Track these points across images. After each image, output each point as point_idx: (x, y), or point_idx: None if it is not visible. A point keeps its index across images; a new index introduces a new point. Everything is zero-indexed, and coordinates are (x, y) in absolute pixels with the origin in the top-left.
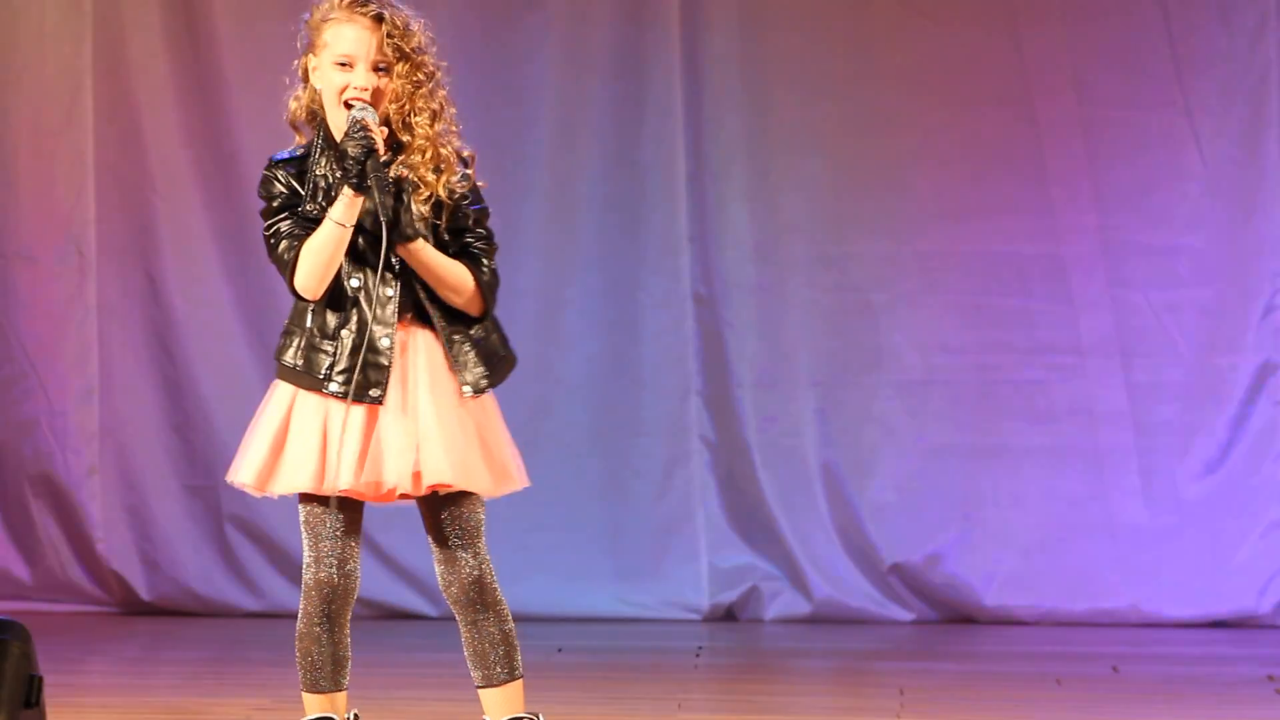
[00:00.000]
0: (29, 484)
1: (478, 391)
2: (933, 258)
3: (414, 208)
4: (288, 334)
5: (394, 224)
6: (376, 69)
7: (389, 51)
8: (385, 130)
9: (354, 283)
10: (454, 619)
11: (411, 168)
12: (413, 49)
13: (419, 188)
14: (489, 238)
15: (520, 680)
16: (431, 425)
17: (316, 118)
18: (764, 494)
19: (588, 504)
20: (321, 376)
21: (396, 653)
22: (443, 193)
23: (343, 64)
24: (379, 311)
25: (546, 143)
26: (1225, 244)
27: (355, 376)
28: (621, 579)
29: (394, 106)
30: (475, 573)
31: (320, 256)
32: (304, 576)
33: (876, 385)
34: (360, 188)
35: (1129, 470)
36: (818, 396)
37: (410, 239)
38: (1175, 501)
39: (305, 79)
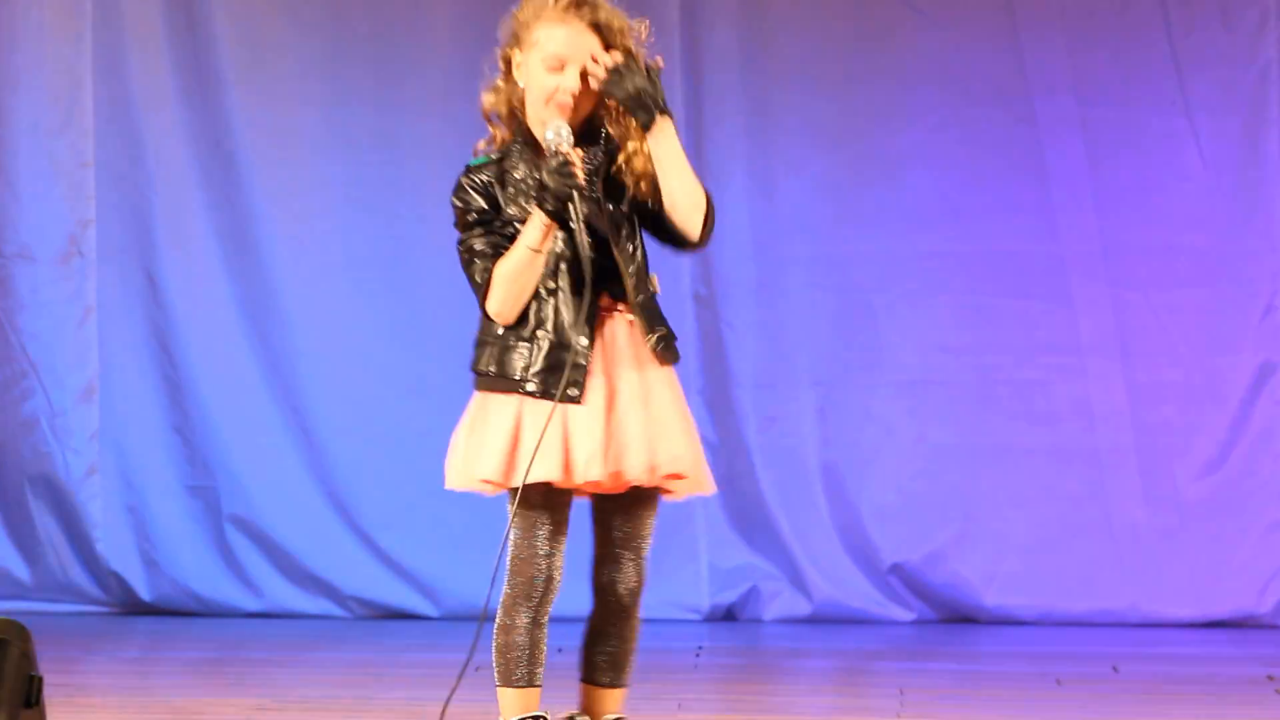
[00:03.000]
0: (29, 484)
1: (666, 344)
2: (933, 258)
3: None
4: (480, 345)
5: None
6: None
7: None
8: (577, 151)
9: (549, 284)
10: (454, 619)
11: (625, 162)
12: (627, 54)
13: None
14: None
15: (627, 689)
16: (661, 409)
17: (515, 114)
18: (764, 494)
19: (588, 504)
20: (517, 378)
21: (396, 653)
22: (645, 187)
23: (553, 66)
24: (573, 312)
25: None
26: (1225, 244)
27: (553, 376)
28: None
29: (604, 110)
30: (636, 581)
31: (514, 284)
32: (510, 570)
33: (876, 385)
34: (557, 219)
35: (1129, 470)
36: (818, 396)
37: (649, 115)
38: (1175, 501)
39: (506, 72)
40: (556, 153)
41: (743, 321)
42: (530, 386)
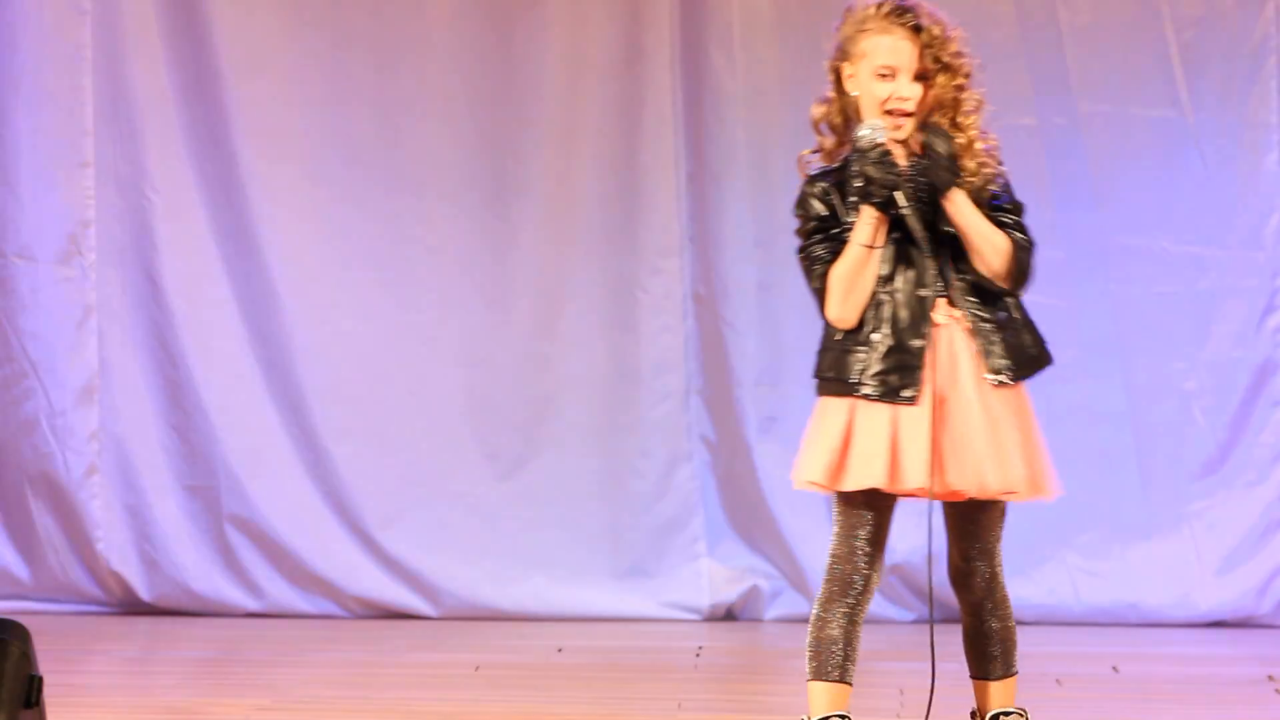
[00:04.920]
0: (29, 484)
1: (1001, 382)
2: None
3: (954, 160)
4: (823, 351)
5: (931, 221)
6: (918, 78)
7: (929, 62)
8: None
9: (885, 287)
10: (454, 619)
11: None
12: (951, 55)
13: (955, 141)
14: (1018, 210)
15: (1015, 677)
16: (994, 425)
17: (849, 124)
18: (764, 494)
19: (587, 504)
20: (853, 381)
21: (396, 653)
22: (979, 183)
23: (884, 74)
24: (909, 314)
25: (546, 143)
26: (1225, 244)
27: (890, 378)
28: (621, 579)
29: (938, 114)
30: (989, 574)
31: (848, 284)
32: (830, 569)
33: None
34: (885, 210)
35: (1129, 470)
36: None
37: (949, 186)
38: (1175, 501)
39: (837, 85)
40: (875, 145)
41: (743, 321)
42: (866, 390)
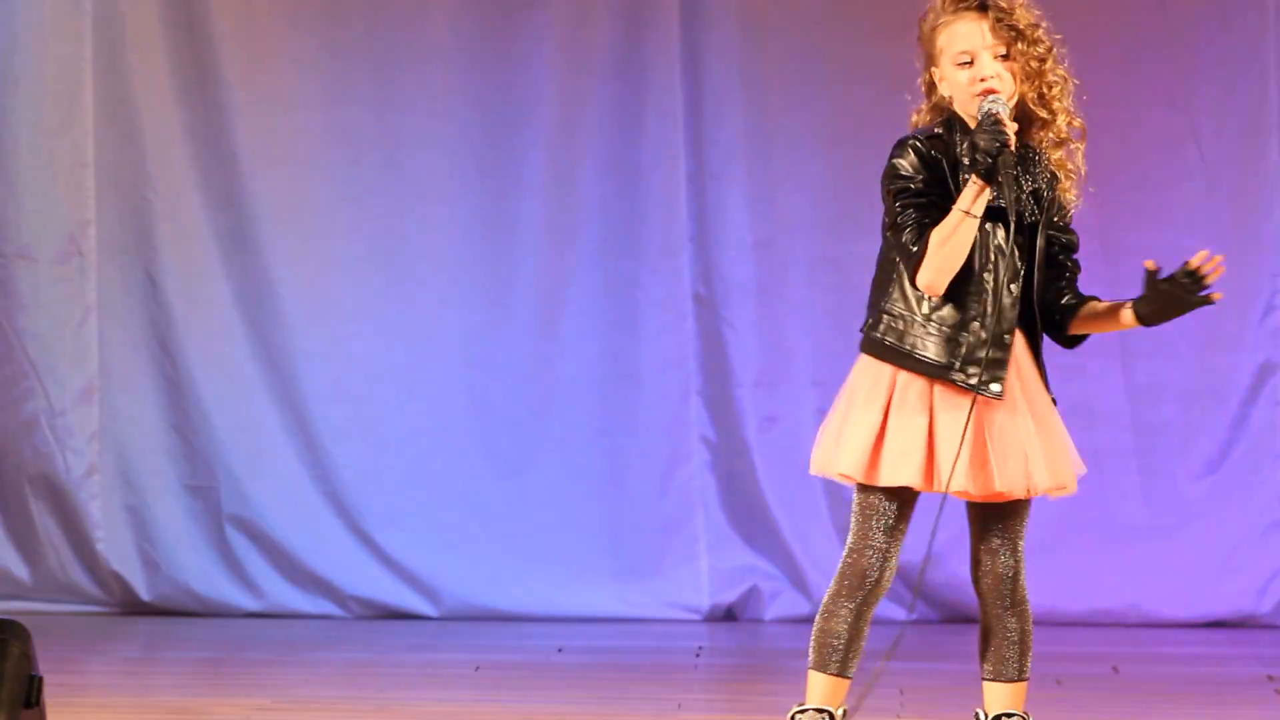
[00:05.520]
0: (29, 484)
1: (1054, 398)
2: None
3: (1042, 191)
4: (888, 315)
5: (1019, 214)
6: (998, 56)
7: (1004, 34)
8: (1015, 125)
9: (986, 274)
10: (454, 619)
11: (1047, 145)
12: (1027, 25)
13: (1054, 178)
14: (1073, 248)
15: (1026, 682)
16: (1045, 429)
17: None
18: (764, 494)
19: (588, 504)
20: (944, 364)
21: (396, 653)
22: (1061, 175)
23: (964, 62)
24: (1006, 306)
25: (546, 143)
26: (1225, 244)
27: (983, 371)
28: (621, 579)
29: (1027, 85)
30: (1012, 571)
31: (948, 249)
32: (845, 559)
33: None
34: (989, 179)
35: (1129, 470)
36: (818, 396)
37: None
38: (1175, 501)
39: (928, 94)
40: (989, 113)
41: (743, 321)
42: (959, 377)
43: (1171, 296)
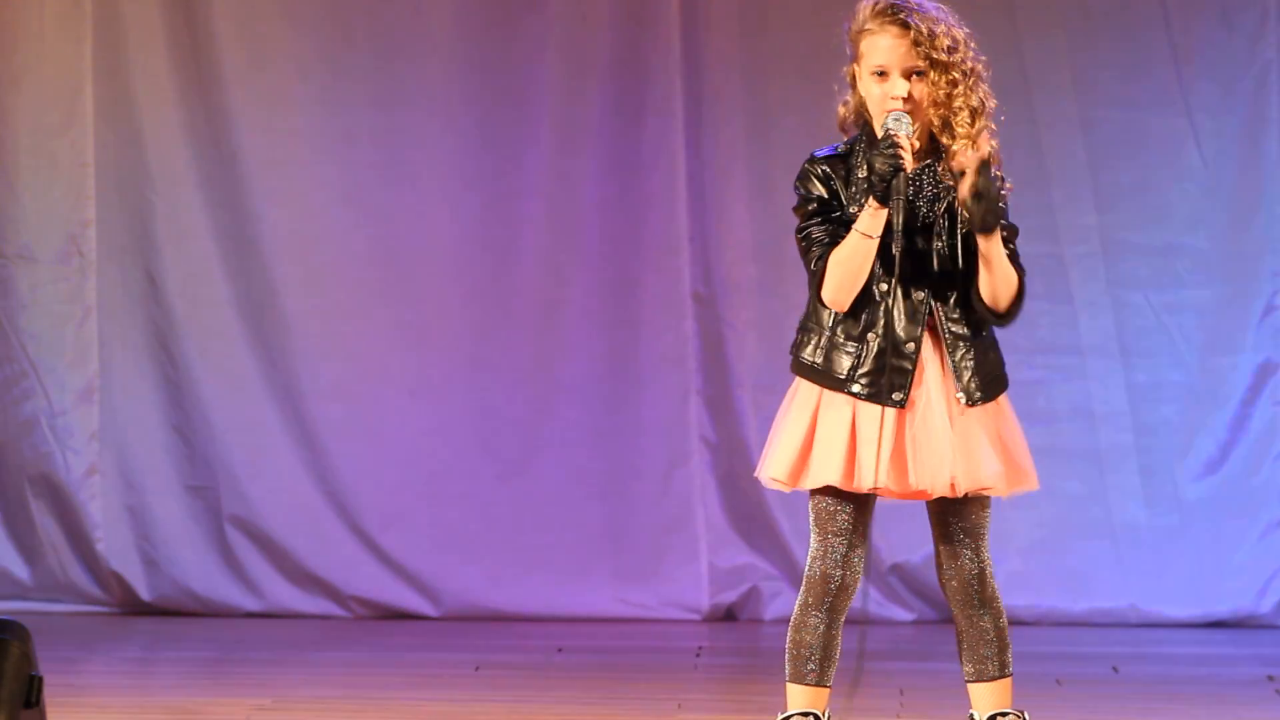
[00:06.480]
0: (29, 484)
1: (971, 402)
2: None
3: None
4: (806, 331)
5: (901, 235)
6: (912, 75)
7: (920, 59)
8: (918, 144)
9: (883, 286)
10: (454, 619)
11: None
12: (944, 49)
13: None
14: (1014, 234)
15: (1010, 678)
16: (962, 432)
17: (863, 120)
18: (764, 494)
19: (588, 504)
20: (844, 377)
21: (396, 653)
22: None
23: (879, 74)
24: (905, 317)
25: (546, 143)
26: (1225, 244)
27: (881, 380)
28: (621, 579)
29: (933, 111)
30: (976, 569)
31: (847, 268)
32: (808, 569)
33: None
34: (884, 201)
35: (1129, 470)
36: None
37: (994, 228)
38: (1175, 501)
39: (852, 86)
40: (888, 135)
41: (743, 321)
42: (856, 388)
43: (976, 198)
